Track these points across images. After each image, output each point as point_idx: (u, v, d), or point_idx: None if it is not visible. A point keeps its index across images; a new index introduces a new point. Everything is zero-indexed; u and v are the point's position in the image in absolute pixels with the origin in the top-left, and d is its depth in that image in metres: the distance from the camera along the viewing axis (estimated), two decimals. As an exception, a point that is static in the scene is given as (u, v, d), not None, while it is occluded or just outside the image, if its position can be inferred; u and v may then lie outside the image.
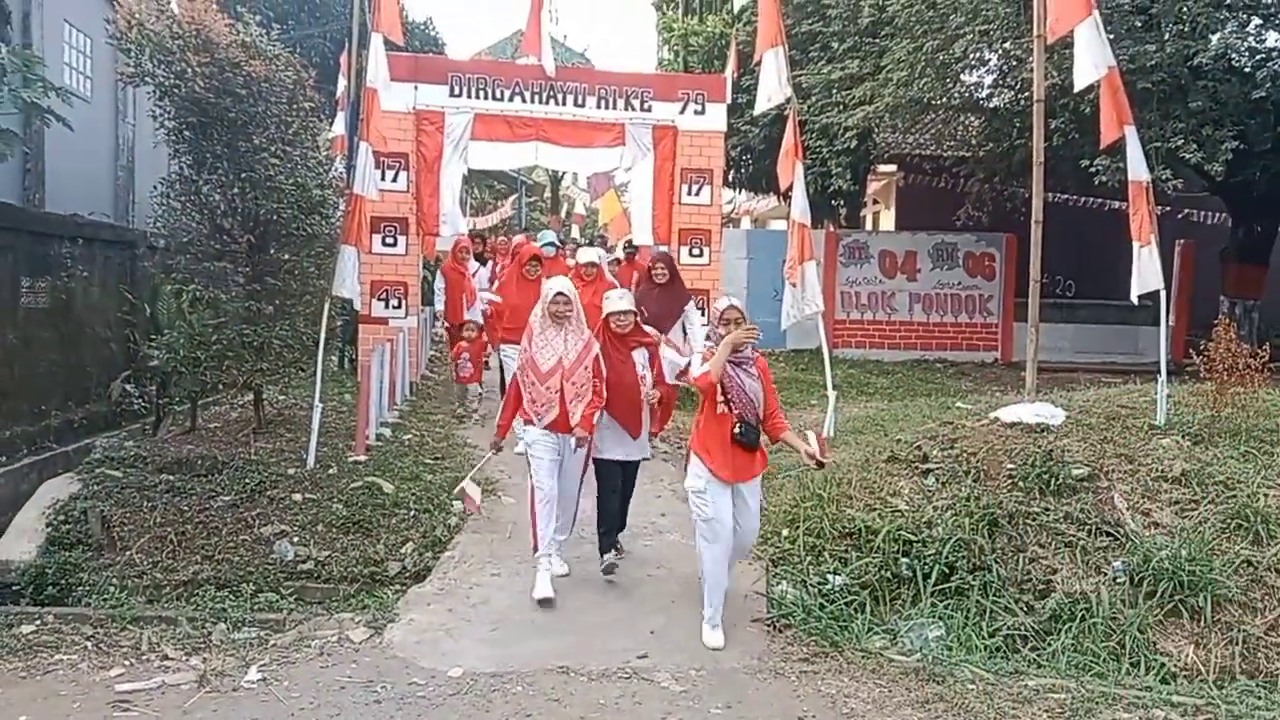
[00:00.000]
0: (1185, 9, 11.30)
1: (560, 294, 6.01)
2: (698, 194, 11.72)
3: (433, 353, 14.84)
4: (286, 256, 8.97)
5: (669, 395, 6.81)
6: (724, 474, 5.39)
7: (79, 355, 10.45)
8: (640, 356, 6.25)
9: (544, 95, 11.44)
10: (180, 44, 8.19)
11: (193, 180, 8.57)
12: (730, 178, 18.60)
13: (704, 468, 5.44)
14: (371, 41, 9.04)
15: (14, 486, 8.40)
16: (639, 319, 6.47)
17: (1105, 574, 5.94)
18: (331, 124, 14.17)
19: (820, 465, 5.53)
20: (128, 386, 10.26)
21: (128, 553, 6.87)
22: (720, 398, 5.38)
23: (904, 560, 6.02)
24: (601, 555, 6.34)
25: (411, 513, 7.48)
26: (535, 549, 6.06)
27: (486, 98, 11.39)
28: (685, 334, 8.89)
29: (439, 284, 11.74)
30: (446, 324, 12.06)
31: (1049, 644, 5.53)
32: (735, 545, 5.54)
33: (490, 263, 13.18)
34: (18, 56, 9.00)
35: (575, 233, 27.34)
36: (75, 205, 11.51)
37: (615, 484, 6.35)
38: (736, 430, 5.35)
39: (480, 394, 10.97)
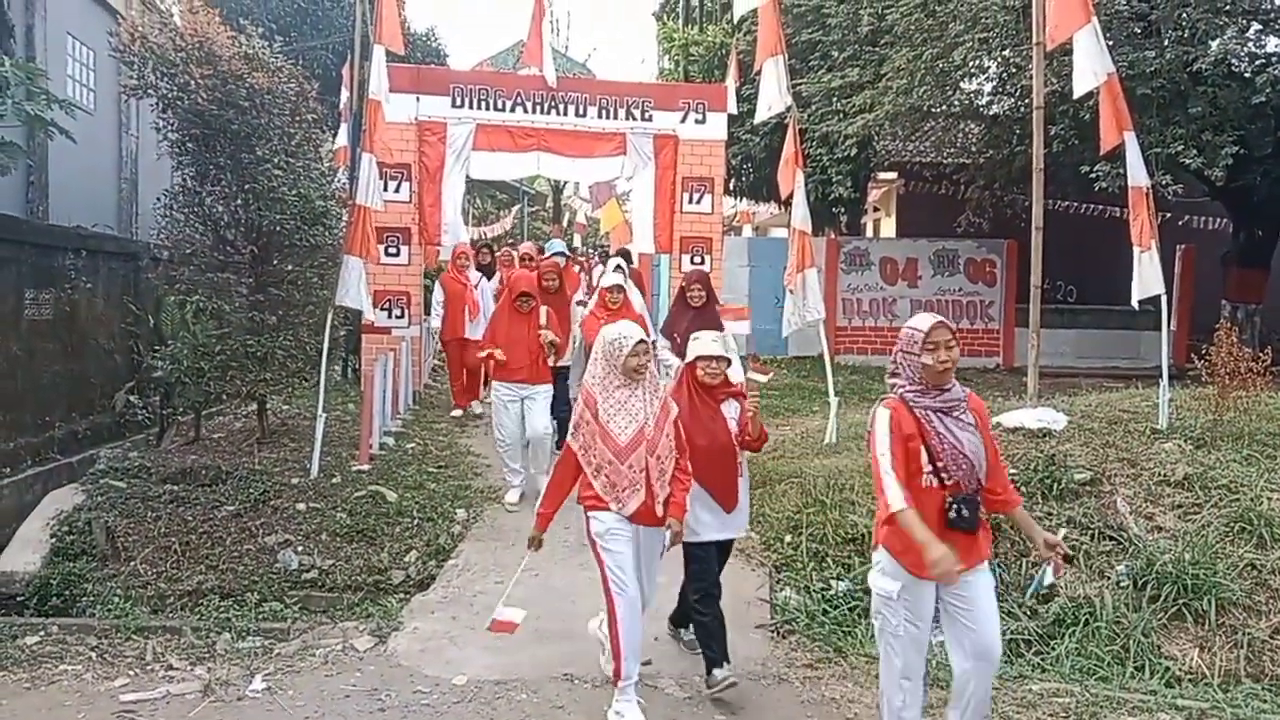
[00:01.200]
0: (1185, 15, 11.33)
1: (641, 342, 4.65)
2: (699, 202, 11.77)
3: (435, 362, 14.84)
4: (290, 267, 9.01)
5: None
6: (930, 571, 3.70)
7: (83, 367, 10.48)
8: (731, 410, 4.94)
9: (545, 105, 11.50)
10: (183, 56, 8.24)
11: (196, 192, 8.61)
12: (731, 186, 18.64)
13: (898, 564, 3.86)
14: (374, 53, 9.09)
15: (18, 497, 8.42)
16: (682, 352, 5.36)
17: (1109, 578, 5.95)
18: (335, 135, 14.22)
19: (1069, 560, 4.11)
20: (132, 397, 10.29)
21: (132, 563, 6.89)
22: (926, 466, 3.79)
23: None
24: (710, 672, 4.85)
25: (415, 521, 7.50)
26: (617, 678, 4.61)
27: (488, 108, 11.44)
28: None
29: (437, 295, 11.03)
30: (442, 340, 11.26)
31: (1053, 648, 5.53)
32: (972, 656, 3.89)
33: (497, 276, 11.76)
34: (21, 69, 9.01)
35: (577, 241, 27.35)
36: (79, 217, 11.55)
37: (714, 575, 4.98)
38: (955, 512, 3.76)
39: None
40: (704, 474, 4.77)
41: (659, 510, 4.59)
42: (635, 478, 4.54)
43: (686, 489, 4.66)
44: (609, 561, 4.57)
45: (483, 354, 8.12)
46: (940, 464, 3.76)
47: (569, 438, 4.72)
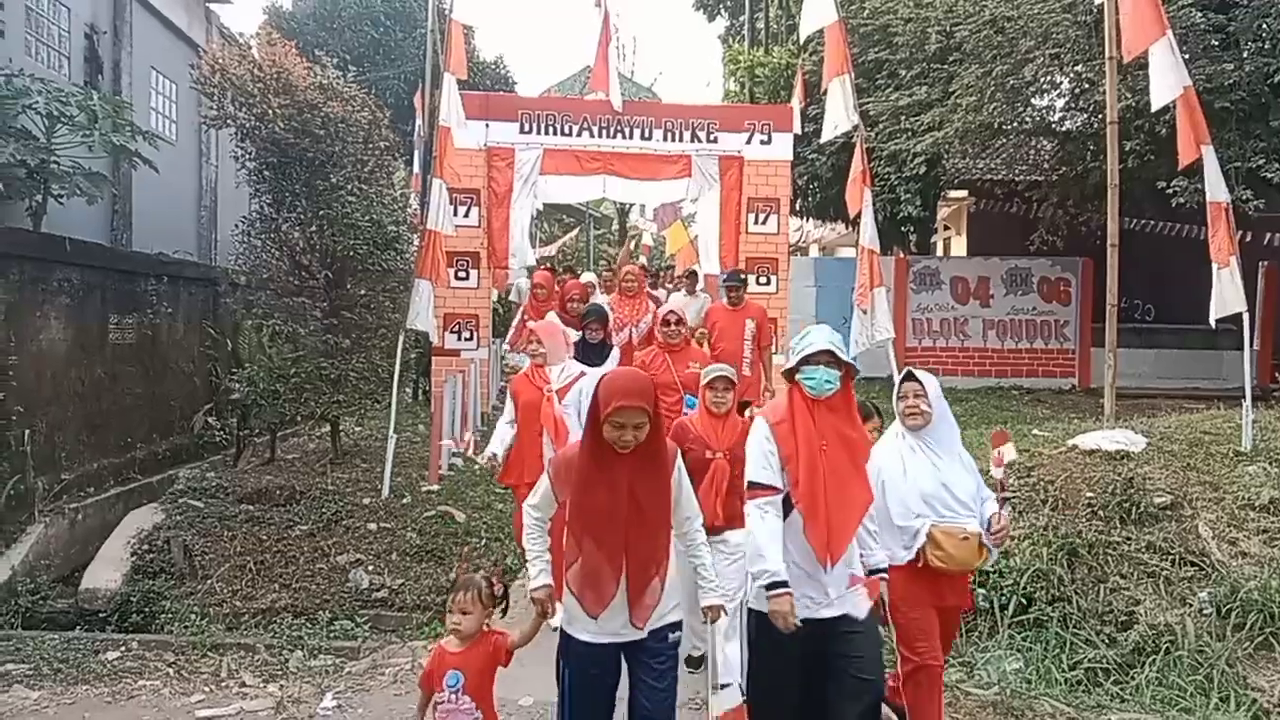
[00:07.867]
0: (1264, 26, 11.04)
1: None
2: (764, 223, 11.74)
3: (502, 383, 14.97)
4: (363, 291, 9.18)
5: None
6: None
7: (163, 389, 10.76)
8: None
9: (611, 130, 11.58)
10: (261, 87, 8.47)
11: (273, 218, 8.83)
12: (798, 206, 18.56)
13: None
14: (444, 81, 9.25)
15: (101, 516, 8.66)
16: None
17: (1190, 605, 5.76)
18: (411, 163, 14.50)
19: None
20: (209, 419, 10.55)
21: (209, 581, 7.05)
22: None
23: (981, 591, 5.90)
24: None
25: (483, 541, 7.57)
26: None
27: (555, 133, 11.56)
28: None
29: (507, 413, 6.25)
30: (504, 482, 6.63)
31: (1132, 677, 5.38)
32: None
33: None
34: (108, 103, 9.38)
35: (643, 261, 27.43)
36: (160, 244, 11.90)
37: None
38: None
39: None
40: None
41: None
42: None
43: None
44: None
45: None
46: None
47: None
